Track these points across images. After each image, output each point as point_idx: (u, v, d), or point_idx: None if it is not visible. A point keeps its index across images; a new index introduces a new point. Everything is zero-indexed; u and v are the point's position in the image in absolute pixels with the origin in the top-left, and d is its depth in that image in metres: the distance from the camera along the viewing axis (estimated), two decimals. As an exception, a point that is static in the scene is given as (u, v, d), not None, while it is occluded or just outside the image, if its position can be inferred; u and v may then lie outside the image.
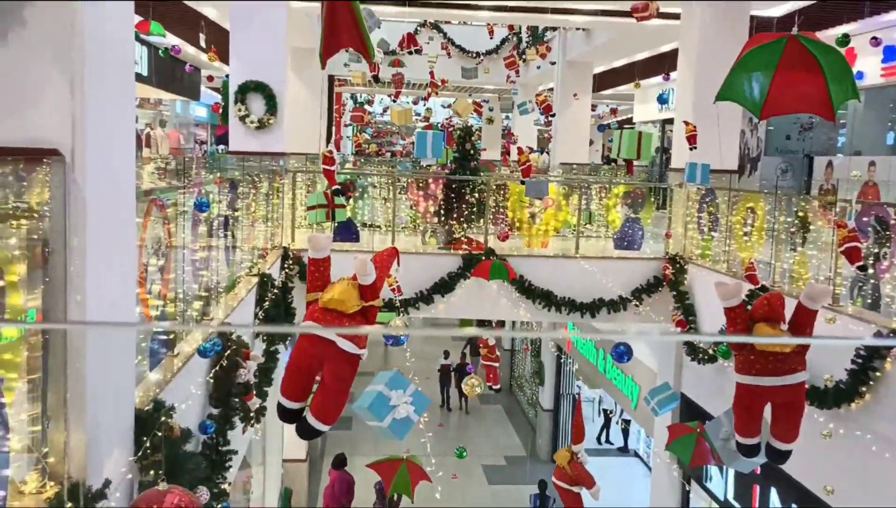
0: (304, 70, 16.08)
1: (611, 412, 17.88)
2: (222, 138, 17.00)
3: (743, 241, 9.23)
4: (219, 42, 13.63)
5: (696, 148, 9.42)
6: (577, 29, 17.12)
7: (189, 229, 5.89)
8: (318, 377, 4.37)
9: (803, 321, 4.99)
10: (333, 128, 22.02)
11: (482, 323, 16.47)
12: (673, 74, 14.39)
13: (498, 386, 11.82)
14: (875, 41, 10.83)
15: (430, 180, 11.36)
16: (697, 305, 9.83)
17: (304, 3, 11.30)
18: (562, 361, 17.91)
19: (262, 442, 11.60)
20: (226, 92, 11.36)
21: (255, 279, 8.07)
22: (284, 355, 7.95)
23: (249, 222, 8.53)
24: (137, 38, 13.00)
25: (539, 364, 19.09)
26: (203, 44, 13.73)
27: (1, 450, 3.26)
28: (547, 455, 17.77)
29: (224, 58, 12.20)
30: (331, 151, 6.74)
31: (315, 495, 15.33)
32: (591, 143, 22.50)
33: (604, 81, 21.42)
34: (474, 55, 22.68)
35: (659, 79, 17.82)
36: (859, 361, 6.26)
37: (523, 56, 19.64)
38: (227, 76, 11.48)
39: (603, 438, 18.62)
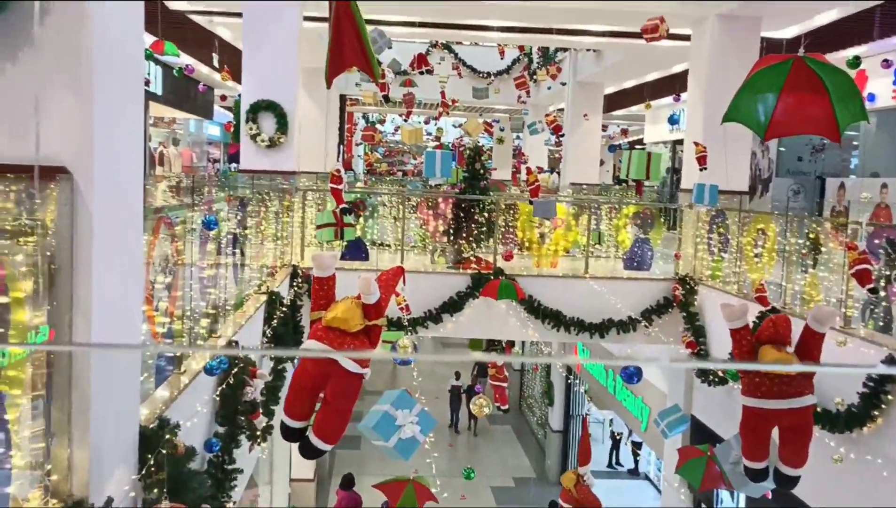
0: (316, 90, 16.21)
1: (619, 434, 17.74)
2: (234, 157, 17.12)
3: (753, 262, 9.18)
4: (232, 62, 13.76)
5: (706, 169, 9.40)
6: (588, 50, 17.17)
7: (197, 246, 5.91)
8: (321, 395, 4.37)
9: (811, 344, 4.95)
10: (343, 147, 22.12)
11: (491, 343, 16.45)
12: (683, 95, 14.40)
13: (506, 406, 11.75)
14: (886, 63, 10.80)
15: (440, 200, 11.38)
16: (708, 326, 9.76)
17: (316, 23, 11.39)
18: (571, 381, 17.80)
19: (270, 461, 11.57)
20: (238, 111, 11.45)
21: (264, 297, 8.08)
22: (291, 373, 7.94)
23: (259, 240, 8.56)
24: (152, 58, 13.16)
25: (548, 385, 18.98)
26: (216, 63, 13.86)
27: (4, 467, 3.26)
28: (556, 476, 17.60)
29: (237, 77, 12.32)
30: (338, 170, 6.77)
31: (322, 515, 15.26)
32: (602, 163, 22.48)
33: (614, 101, 21.44)
34: (485, 75, 22.79)
35: (669, 99, 17.83)
36: (871, 384, 6.19)
37: (534, 77, 19.71)
38: (239, 95, 11.57)
39: (613, 460, 18.46)
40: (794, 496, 6.92)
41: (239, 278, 7.52)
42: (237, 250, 7.45)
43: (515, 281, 10.03)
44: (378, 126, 28.38)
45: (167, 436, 4.17)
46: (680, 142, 18.84)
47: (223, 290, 6.75)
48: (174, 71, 14.75)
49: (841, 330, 6.70)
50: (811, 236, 8.19)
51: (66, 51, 3.35)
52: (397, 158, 44.24)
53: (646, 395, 13.36)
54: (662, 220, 12.30)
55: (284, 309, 8.49)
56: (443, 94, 18.00)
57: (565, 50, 18.64)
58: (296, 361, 8.37)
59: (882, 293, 6.76)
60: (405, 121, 21.86)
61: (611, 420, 18.49)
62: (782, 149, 16.51)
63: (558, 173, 22.25)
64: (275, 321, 8.12)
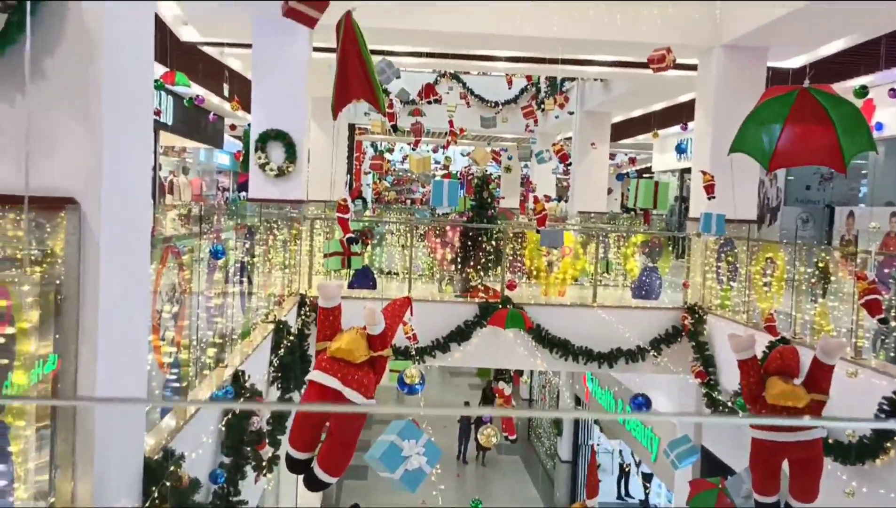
0: (325, 119, 16.28)
1: (627, 465, 17.56)
2: (244, 186, 17.22)
3: (763, 291, 9.13)
4: (242, 92, 13.90)
5: (714, 197, 9.39)
6: (595, 80, 17.28)
7: (205, 275, 5.92)
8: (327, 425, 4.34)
9: (819, 376, 4.91)
10: (350, 176, 22.23)
11: (499, 372, 16.35)
12: (691, 124, 14.44)
13: (514, 436, 11.67)
14: (893, 92, 10.82)
15: (448, 228, 11.41)
16: (717, 356, 9.69)
17: (325, 53, 11.52)
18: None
19: (276, 492, 11.46)
20: (247, 140, 11.55)
21: (271, 326, 8.07)
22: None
23: (267, 269, 8.58)
24: (163, 88, 13.30)
25: (557, 414, 18.85)
26: (226, 93, 14.01)
27: (7, 499, 3.24)
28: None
29: (246, 107, 12.43)
30: (345, 200, 6.80)
31: (329, 546, 15.10)
32: (610, 191, 22.52)
33: (622, 130, 21.52)
34: (493, 105, 22.94)
35: (677, 128, 17.88)
36: (883, 416, 6.11)
37: (541, 106, 19.82)
38: (248, 125, 11.68)
39: (622, 491, 18.24)
40: (806, 529, 6.82)
41: (246, 306, 7.52)
42: (245, 279, 7.46)
43: (523, 310, 9.99)
44: (387, 155, 28.57)
45: (172, 468, 4.15)
46: (688, 170, 18.86)
47: (230, 319, 6.75)
48: (185, 101, 14.91)
49: (852, 361, 6.63)
50: (820, 265, 8.15)
51: (76, 82, 3.39)
52: (406, 186, 44.42)
53: (655, 425, 13.23)
54: (671, 248, 12.27)
55: (292, 338, 8.48)
56: (451, 123, 18.10)
57: (573, 79, 18.76)
58: (302, 390, 8.36)
59: (893, 323, 6.70)
60: (413, 150, 21.99)
61: (620, 451, 18.30)
62: (790, 177, 16.50)
63: (566, 201, 22.28)
64: (282, 349, 8.11)
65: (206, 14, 11.04)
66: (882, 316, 6.26)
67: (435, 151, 28.09)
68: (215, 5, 10.54)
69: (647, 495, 17.85)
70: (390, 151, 30.61)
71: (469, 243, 10.98)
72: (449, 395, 22.37)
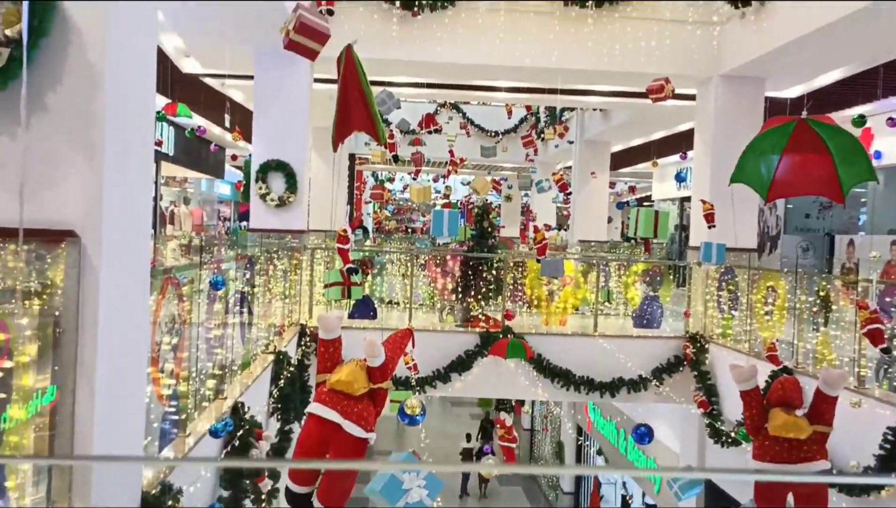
0: (326, 149, 16.21)
1: (630, 497, 17.37)
2: (245, 215, 17.26)
3: (764, 320, 9.10)
4: (243, 122, 13.99)
5: (714, 226, 9.39)
6: (595, 109, 17.38)
7: (204, 306, 5.91)
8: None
9: (822, 408, 4.87)
10: (350, 205, 22.28)
11: (501, 402, 16.23)
12: (690, 153, 14.50)
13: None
14: (892, 121, 10.89)
15: (448, 257, 11.40)
16: (719, 385, 9.63)
17: (326, 85, 11.60)
18: (581, 442, 17.53)
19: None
20: (248, 170, 11.59)
21: (271, 357, 8.04)
22: (297, 434, 7.83)
23: (267, 299, 8.56)
24: (164, 119, 13.38)
25: (559, 445, 18.69)
26: (227, 124, 14.09)
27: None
28: (568, 539, 17.22)
29: (248, 137, 12.50)
30: (345, 230, 6.80)
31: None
32: (610, 220, 22.55)
33: (622, 159, 21.61)
34: (493, 134, 23.06)
35: (676, 157, 17.95)
36: (888, 446, 6.05)
37: (541, 135, 19.92)
38: (249, 155, 11.73)
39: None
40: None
41: (246, 337, 7.49)
42: (245, 309, 7.44)
43: (524, 340, 9.96)
44: (387, 184, 28.65)
45: (170, 502, 4.10)
46: (687, 199, 18.91)
47: (230, 350, 6.72)
48: (186, 132, 14.99)
49: (855, 390, 6.59)
50: (821, 293, 8.13)
51: (78, 115, 3.40)
52: (406, 215, 44.52)
53: (658, 456, 13.12)
54: (671, 277, 12.25)
55: (292, 369, 8.43)
56: (451, 152, 18.18)
57: (572, 109, 18.88)
58: (301, 422, 8.29)
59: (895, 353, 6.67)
60: (414, 179, 22.06)
61: (623, 483, 18.13)
62: (790, 206, 16.54)
63: (566, 230, 22.31)
64: (282, 380, 8.07)
65: (207, 46, 11.14)
66: (885, 346, 6.23)
67: (435, 180, 28.19)
68: (217, 38, 10.63)
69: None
70: (391, 180, 30.70)
71: (470, 272, 10.97)
72: (450, 425, 22.21)
